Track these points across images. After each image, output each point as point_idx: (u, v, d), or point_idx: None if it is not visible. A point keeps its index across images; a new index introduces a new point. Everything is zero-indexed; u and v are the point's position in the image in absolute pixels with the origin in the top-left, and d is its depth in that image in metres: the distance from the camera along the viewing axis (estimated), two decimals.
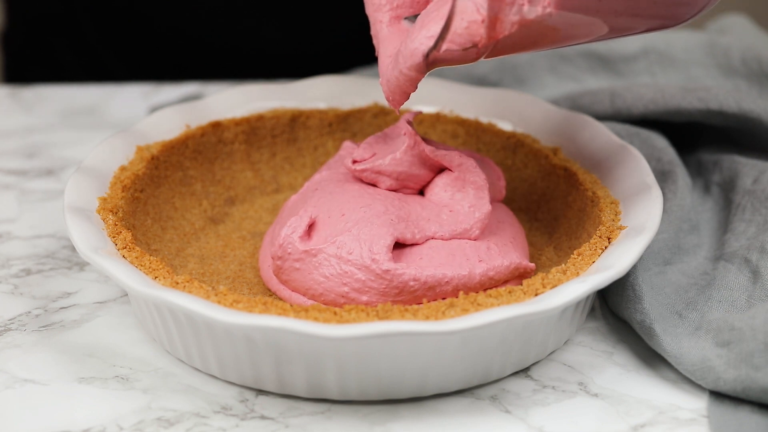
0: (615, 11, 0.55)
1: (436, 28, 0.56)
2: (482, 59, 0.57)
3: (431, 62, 0.57)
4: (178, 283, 0.57)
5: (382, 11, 0.62)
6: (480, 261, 0.61)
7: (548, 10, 0.53)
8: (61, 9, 1.03)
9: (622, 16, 0.55)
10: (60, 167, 0.81)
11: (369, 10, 0.63)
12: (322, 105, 0.76)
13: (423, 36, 0.57)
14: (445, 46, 0.55)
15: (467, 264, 0.60)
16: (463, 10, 0.54)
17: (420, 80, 0.59)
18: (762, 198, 0.68)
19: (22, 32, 1.06)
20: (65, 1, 1.03)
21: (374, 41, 0.63)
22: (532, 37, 0.55)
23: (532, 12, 0.53)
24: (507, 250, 0.62)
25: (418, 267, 0.59)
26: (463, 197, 0.63)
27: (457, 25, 0.54)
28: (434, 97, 0.76)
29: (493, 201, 0.65)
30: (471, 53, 0.55)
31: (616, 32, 0.57)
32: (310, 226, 0.62)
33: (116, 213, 0.62)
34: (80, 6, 1.03)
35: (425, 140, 0.69)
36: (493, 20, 0.53)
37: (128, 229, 0.62)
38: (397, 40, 0.61)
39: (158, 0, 1.01)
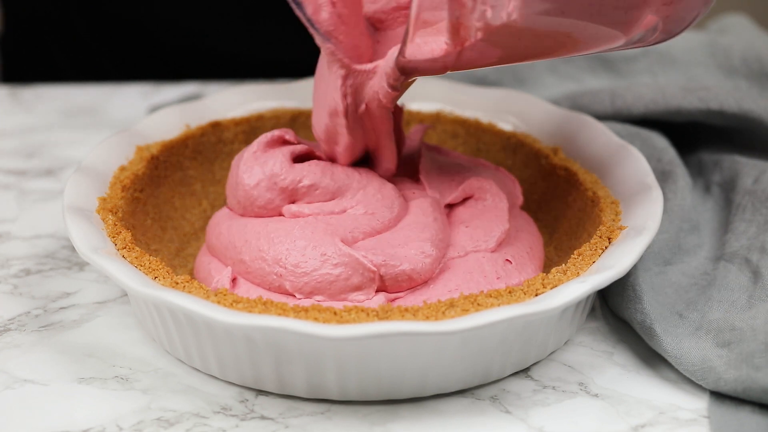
0: (580, 23, 0.54)
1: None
2: (457, 71, 0.56)
3: (402, 70, 0.56)
4: (177, 283, 0.57)
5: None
6: (498, 278, 0.60)
7: (513, 17, 0.52)
8: (58, 12, 1.03)
9: (590, 28, 0.54)
10: (60, 167, 0.81)
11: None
12: None
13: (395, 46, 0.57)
14: (409, 52, 0.55)
15: (485, 283, 0.60)
16: (424, 11, 0.53)
17: (396, 96, 0.59)
18: (762, 198, 0.68)
19: (20, 35, 1.06)
20: (63, 3, 1.03)
21: None
22: (504, 47, 0.54)
23: (496, 18, 0.52)
24: (524, 263, 0.62)
25: (428, 298, 0.59)
26: (481, 216, 0.63)
27: (418, 30, 0.54)
28: (434, 97, 0.76)
29: (511, 208, 0.65)
30: (439, 60, 0.55)
31: (593, 46, 0.56)
32: (234, 280, 0.61)
33: (116, 213, 0.62)
34: (77, 8, 1.03)
35: (434, 148, 0.69)
36: (455, 25, 0.53)
37: (128, 229, 0.62)
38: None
39: (157, 2, 1.01)
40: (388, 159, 0.64)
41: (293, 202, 0.62)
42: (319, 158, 0.65)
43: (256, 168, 0.62)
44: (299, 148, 0.64)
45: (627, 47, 0.57)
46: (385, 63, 0.58)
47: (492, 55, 0.55)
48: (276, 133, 0.64)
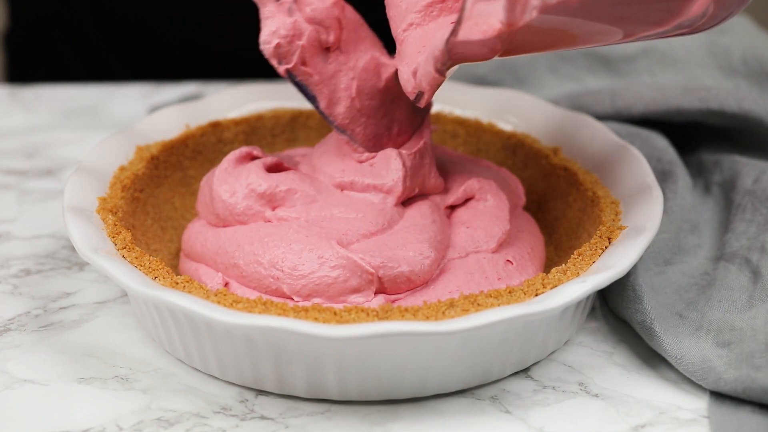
0: (635, 3, 0.54)
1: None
2: (505, 56, 0.56)
3: (451, 51, 0.55)
4: (177, 283, 0.57)
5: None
6: (498, 279, 0.60)
7: None
8: (62, 10, 1.04)
9: (643, 9, 0.54)
10: (60, 167, 0.81)
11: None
12: None
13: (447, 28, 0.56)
14: (462, 32, 0.54)
15: (486, 284, 0.60)
16: None
17: (440, 82, 0.58)
18: (762, 198, 0.68)
19: (24, 33, 1.06)
20: (66, 2, 1.03)
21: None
22: (557, 28, 0.54)
23: None
24: (525, 264, 0.62)
25: (429, 299, 0.59)
26: (482, 216, 0.63)
27: (474, 8, 0.53)
28: (434, 97, 0.76)
29: (513, 209, 0.65)
30: (490, 42, 0.54)
31: (646, 29, 0.55)
32: (226, 285, 0.61)
33: (116, 213, 0.62)
34: (81, 7, 1.03)
35: (434, 148, 0.69)
36: (512, 3, 0.52)
37: (128, 229, 0.62)
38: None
39: (158, 1, 1.01)
40: (436, 174, 0.64)
41: (273, 210, 0.62)
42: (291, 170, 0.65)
43: (231, 181, 0.62)
44: (270, 160, 0.64)
45: (675, 33, 0.57)
46: (434, 46, 0.57)
47: (543, 38, 0.54)
48: (244, 149, 0.64)
